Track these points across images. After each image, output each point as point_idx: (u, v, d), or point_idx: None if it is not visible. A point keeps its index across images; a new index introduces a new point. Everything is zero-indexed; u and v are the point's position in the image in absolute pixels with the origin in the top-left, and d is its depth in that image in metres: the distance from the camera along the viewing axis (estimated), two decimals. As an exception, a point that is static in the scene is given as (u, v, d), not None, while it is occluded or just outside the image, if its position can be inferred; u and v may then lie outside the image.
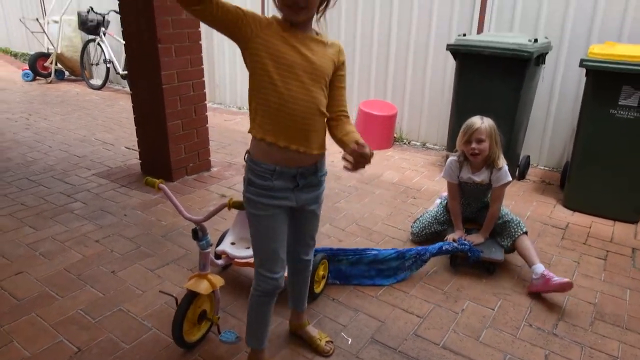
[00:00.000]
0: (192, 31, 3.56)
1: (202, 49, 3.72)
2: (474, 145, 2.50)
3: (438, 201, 3.01)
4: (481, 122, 2.50)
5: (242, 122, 5.57)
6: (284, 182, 1.58)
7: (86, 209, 3.25)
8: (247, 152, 1.62)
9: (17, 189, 3.54)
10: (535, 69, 3.55)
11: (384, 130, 4.66)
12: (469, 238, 2.63)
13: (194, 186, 3.67)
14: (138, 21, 3.40)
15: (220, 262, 2.31)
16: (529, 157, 4.03)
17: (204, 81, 3.78)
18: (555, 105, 4.08)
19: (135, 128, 3.84)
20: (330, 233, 2.93)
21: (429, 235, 2.84)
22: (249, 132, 1.58)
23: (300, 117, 1.51)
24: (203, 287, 1.91)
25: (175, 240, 2.87)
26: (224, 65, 6.15)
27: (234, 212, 2.61)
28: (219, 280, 1.97)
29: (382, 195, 3.59)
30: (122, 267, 2.58)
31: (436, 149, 4.73)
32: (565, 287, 2.28)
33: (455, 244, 2.52)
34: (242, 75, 6.04)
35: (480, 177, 2.61)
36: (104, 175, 3.85)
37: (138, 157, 3.99)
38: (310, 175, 1.63)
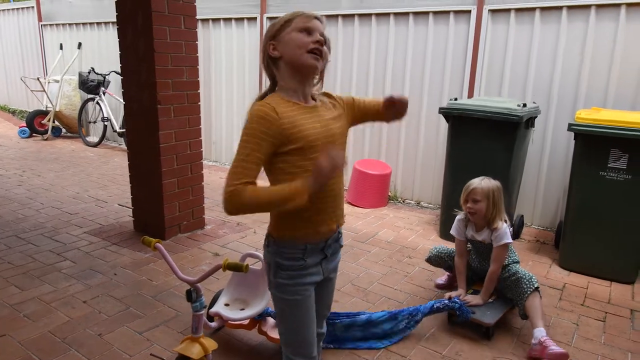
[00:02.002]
0: (191, 92, 3.69)
1: (200, 109, 3.83)
2: (470, 204, 2.60)
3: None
4: (479, 183, 2.59)
5: (237, 180, 5.63)
6: (315, 257, 1.51)
7: (75, 268, 3.20)
8: (269, 236, 1.51)
9: (5, 246, 3.50)
10: (525, 131, 3.67)
11: (379, 188, 4.72)
12: (468, 299, 2.62)
13: (187, 244, 3.64)
14: (139, 82, 3.52)
15: (213, 324, 2.25)
16: (522, 216, 4.07)
17: (201, 140, 3.87)
18: (546, 166, 4.18)
19: (129, 185, 3.87)
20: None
21: (442, 261, 2.90)
22: (272, 234, 1.48)
23: (335, 194, 1.47)
24: (195, 351, 1.85)
25: (166, 301, 2.81)
26: (220, 123, 6.29)
27: (228, 272, 2.59)
28: (212, 344, 1.92)
29: (377, 254, 3.58)
30: (110, 329, 2.50)
31: (430, 208, 4.77)
32: (561, 359, 2.26)
33: (446, 302, 2.55)
34: (238, 133, 6.16)
35: (482, 236, 2.65)
36: (96, 233, 3.82)
37: (131, 214, 3.99)
38: (334, 242, 1.57)
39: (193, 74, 3.68)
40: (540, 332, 2.37)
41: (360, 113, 1.60)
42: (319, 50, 1.38)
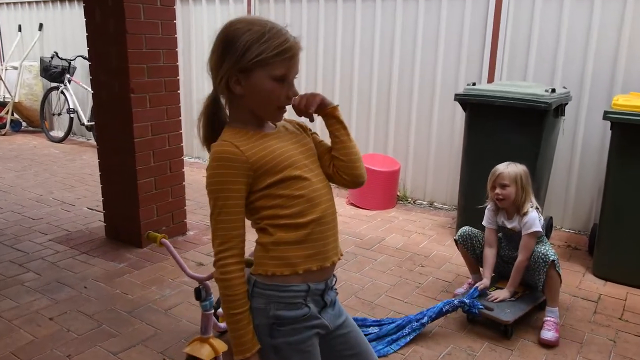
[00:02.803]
0: (170, 79, 3.71)
1: (180, 98, 3.85)
2: (497, 190, 2.80)
3: None
4: (505, 167, 2.81)
5: (224, 179, 5.64)
6: (316, 304, 1.41)
7: (40, 280, 3.21)
8: (255, 282, 1.39)
9: (-41, 257, 3.52)
10: (553, 121, 3.69)
11: (386, 188, 4.74)
12: (495, 294, 2.81)
13: (166, 253, 3.64)
14: (109, 68, 3.54)
15: (223, 325, 2.33)
16: (551, 218, 4.09)
17: (181, 134, 3.88)
18: (578, 160, 4.20)
19: (100, 186, 3.89)
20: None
21: (471, 246, 3.01)
22: (260, 274, 1.38)
23: (329, 218, 1.42)
24: (205, 352, 1.92)
25: (144, 317, 2.83)
26: (203, 116, 6.30)
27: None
28: (221, 346, 1.98)
29: (384, 263, 3.60)
30: (80, 350, 2.52)
31: (445, 209, 4.79)
32: (548, 345, 2.61)
33: (455, 303, 2.74)
34: (224, 127, 6.17)
35: (512, 223, 2.85)
36: (62, 240, 3.84)
37: (102, 219, 4.01)
38: (330, 289, 1.47)
39: (171, 57, 3.70)
40: (549, 312, 2.70)
41: (318, 150, 1.52)
42: (290, 103, 1.38)
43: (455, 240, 3.08)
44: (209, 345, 1.95)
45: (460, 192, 3.98)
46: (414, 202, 4.98)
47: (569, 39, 4.10)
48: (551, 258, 2.66)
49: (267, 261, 1.37)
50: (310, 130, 1.54)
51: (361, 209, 4.71)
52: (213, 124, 1.42)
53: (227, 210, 1.32)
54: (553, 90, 3.54)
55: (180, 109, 3.84)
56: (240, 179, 1.32)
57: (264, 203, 1.36)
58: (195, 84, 6.27)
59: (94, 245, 3.76)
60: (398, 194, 4.96)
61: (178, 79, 3.78)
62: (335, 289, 1.51)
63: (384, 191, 4.74)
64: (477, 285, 2.82)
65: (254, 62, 1.30)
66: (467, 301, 2.71)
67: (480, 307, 2.69)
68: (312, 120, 1.46)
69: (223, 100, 1.41)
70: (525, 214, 2.77)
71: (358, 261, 3.62)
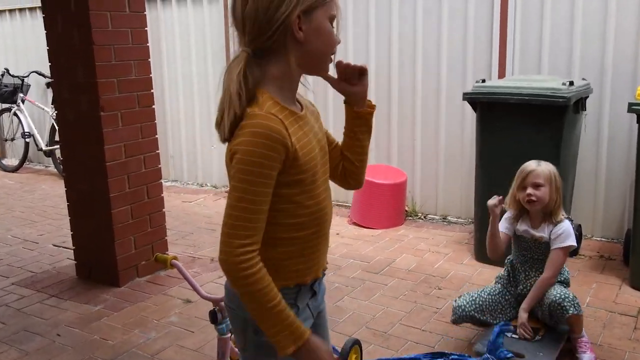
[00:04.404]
0: (143, 93, 3.79)
1: (155, 114, 3.93)
2: (529, 190, 2.73)
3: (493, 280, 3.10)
4: (537, 165, 2.77)
5: (206, 203, 5.70)
6: (305, 298, 1.51)
7: (6, 330, 3.23)
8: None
9: None
10: (574, 116, 3.80)
11: (392, 202, 4.82)
12: (519, 332, 2.74)
13: (148, 291, 3.70)
14: (75, 84, 3.62)
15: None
16: (580, 226, 4.15)
17: (158, 154, 3.96)
18: (605, 159, 4.31)
19: (68, 218, 3.94)
20: (333, 342, 2.95)
21: (473, 319, 2.87)
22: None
23: (327, 230, 1.51)
24: None
25: (129, 364, 2.87)
26: (179, 131, 6.40)
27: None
28: None
29: (396, 288, 3.66)
30: (59, 405, 2.55)
31: (460, 223, 4.87)
32: None
33: (488, 356, 2.53)
34: (202, 142, 6.26)
35: (540, 232, 2.79)
36: (27, 283, 3.87)
37: (72, 256, 4.04)
38: (321, 279, 1.60)
39: (144, 69, 3.79)
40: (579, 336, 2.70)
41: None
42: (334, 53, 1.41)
43: (452, 321, 2.92)
44: None
45: (476, 202, 4.07)
46: (424, 217, 5.06)
47: (585, 24, 4.22)
48: (570, 312, 2.61)
49: (272, 273, 1.45)
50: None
51: (366, 229, 4.78)
52: (248, 89, 1.32)
53: (260, 199, 1.28)
54: (571, 83, 3.64)
55: (156, 126, 3.92)
56: (278, 165, 1.29)
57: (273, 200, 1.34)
58: (169, 97, 6.36)
59: (64, 287, 3.79)
60: (406, 208, 5.04)
61: (152, 93, 3.87)
62: (324, 272, 1.59)
63: (391, 207, 4.81)
64: (495, 328, 2.60)
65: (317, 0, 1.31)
66: (492, 357, 2.52)
67: (510, 355, 2.55)
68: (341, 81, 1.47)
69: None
70: (559, 222, 2.73)
71: (366, 287, 3.68)
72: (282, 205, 1.36)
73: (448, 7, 4.70)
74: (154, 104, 3.88)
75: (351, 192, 4.98)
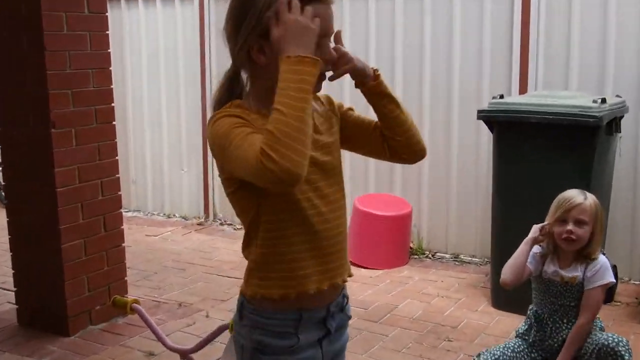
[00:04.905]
0: (102, 107, 3.80)
1: (116, 132, 3.96)
2: (570, 227, 2.66)
3: (513, 334, 3.07)
4: (583, 197, 2.70)
5: (174, 238, 5.69)
6: (311, 333, 1.58)
7: None
8: (244, 302, 1.60)
9: None
10: (607, 139, 3.84)
11: (394, 238, 4.82)
12: None
13: (103, 341, 3.67)
14: (21, 97, 3.63)
15: None
16: (615, 267, 4.16)
17: (118, 179, 3.97)
18: (643, 190, 4.35)
19: (10, 255, 3.91)
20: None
21: None
22: (247, 295, 1.58)
23: (339, 231, 1.61)
24: None
25: None
26: (143, 152, 6.40)
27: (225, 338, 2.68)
28: None
29: (399, 339, 3.64)
30: None
31: (475, 263, 4.88)
32: None
33: None
34: (170, 165, 6.26)
35: (573, 272, 2.73)
36: (-41, 332, 3.83)
37: (13, 300, 4.01)
38: (338, 311, 1.66)
39: (104, 79, 3.81)
40: None
41: (356, 131, 1.70)
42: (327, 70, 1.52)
43: None
44: None
45: (493, 238, 4.08)
46: (432, 255, 5.07)
47: (619, 34, 4.30)
48: (626, 359, 2.58)
49: (255, 281, 1.55)
50: (342, 107, 1.68)
51: (364, 269, 4.76)
52: (226, 100, 1.53)
53: (244, 136, 1.39)
54: (603, 101, 3.69)
55: (116, 146, 3.93)
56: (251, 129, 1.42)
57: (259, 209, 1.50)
58: (132, 112, 6.38)
59: (3, 336, 3.75)
60: (411, 245, 5.04)
61: (113, 107, 3.88)
62: (349, 314, 1.70)
63: (393, 243, 4.82)
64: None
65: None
66: None
67: None
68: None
69: (244, 77, 1.54)
70: (594, 259, 2.71)
71: (364, 338, 3.66)
72: (268, 218, 1.50)
73: (460, 11, 4.78)
74: (114, 120, 3.90)
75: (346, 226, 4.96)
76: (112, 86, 3.89)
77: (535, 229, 2.73)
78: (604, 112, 3.63)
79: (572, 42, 4.45)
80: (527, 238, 2.75)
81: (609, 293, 3.90)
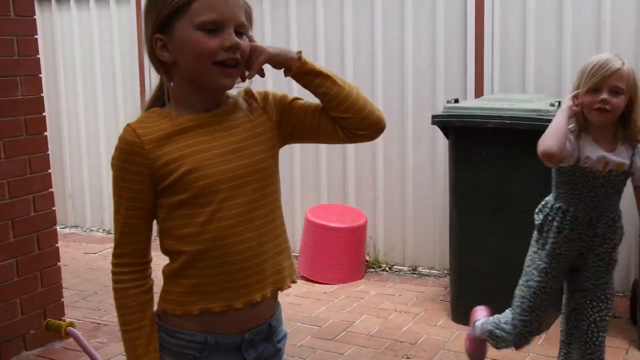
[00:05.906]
0: (32, 117, 3.74)
1: (48, 143, 3.89)
2: (605, 95, 2.42)
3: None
4: (618, 61, 2.46)
5: (114, 256, 5.59)
6: (222, 357, 1.53)
7: None
8: (157, 315, 1.59)
9: None
10: (566, 143, 3.92)
11: (349, 250, 4.83)
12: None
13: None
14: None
15: None
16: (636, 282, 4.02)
17: (52, 193, 3.90)
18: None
19: None
20: None
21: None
22: (160, 311, 1.57)
23: (247, 255, 1.52)
24: None
25: None
26: (80, 164, 6.31)
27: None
28: None
29: (356, 357, 3.64)
30: None
31: (434, 275, 4.92)
32: None
33: None
34: (109, 178, 6.13)
35: (620, 156, 2.53)
36: None
37: (-64, 328, 3.91)
38: (262, 341, 1.59)
39: (33, 87, 3.74)
40: None
41: (302, 121, 1.64)
42: (234, 59, 1.45)
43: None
44: None
45: (452, 250, 4.12)
46: (389, 268, 5.09)
47: (575, 33, 4.39)
48: None
49: (162, 294, 1.56)
50: (285, 99, 1.63)
51: (317, 284, 4.78)
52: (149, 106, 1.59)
53: (123, 211, 1.52)
54: (559, 104, 3.76)
55: (49, 158, 3.87)
56: (139, 178, 1.49)
57: (171, 224, 1.52)
58: (67, 121, 6.29)
59: None
60: (367, 258, 5.06)
61: (44, 116, 3.82)
62: (278, 346, 1.63)
63: (347, 256, 4.83)
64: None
65: (171, 11, 1.41)
66: None
67: None
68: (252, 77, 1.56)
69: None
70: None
71: (318, 357, 3.65)
72: (179, 227, 1.50)
73: (412, 8, 4.82)
74: (46, 131, 3.84)
75: (297, 239, 4.97)
76: (42, 94, 3.82)
77: (568, 99, 2.50)
78: (561, 115, 3.69)
79: (527, 44, 4.53)
80: (561, 107, 2.54)
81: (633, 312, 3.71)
